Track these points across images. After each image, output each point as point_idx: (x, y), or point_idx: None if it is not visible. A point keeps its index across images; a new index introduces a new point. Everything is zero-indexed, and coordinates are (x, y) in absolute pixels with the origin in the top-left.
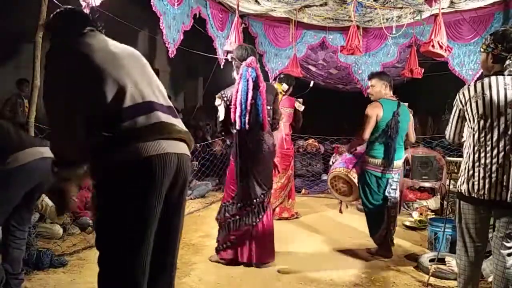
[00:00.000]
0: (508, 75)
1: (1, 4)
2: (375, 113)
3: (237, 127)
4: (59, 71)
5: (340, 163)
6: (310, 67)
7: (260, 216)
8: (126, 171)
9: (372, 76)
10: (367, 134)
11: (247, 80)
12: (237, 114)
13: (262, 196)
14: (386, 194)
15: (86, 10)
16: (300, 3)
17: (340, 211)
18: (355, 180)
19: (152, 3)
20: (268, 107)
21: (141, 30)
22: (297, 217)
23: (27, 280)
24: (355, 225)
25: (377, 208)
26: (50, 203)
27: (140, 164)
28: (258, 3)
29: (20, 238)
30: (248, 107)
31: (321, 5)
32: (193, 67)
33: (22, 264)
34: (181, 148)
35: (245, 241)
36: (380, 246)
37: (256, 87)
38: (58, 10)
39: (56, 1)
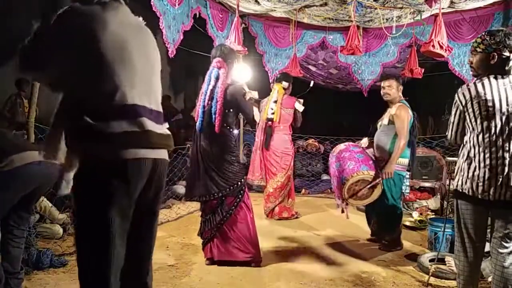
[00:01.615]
0: (503, 75)
1: (1, 4)
2: (408, 115)
3: (196, 128)
4: (62, 36)
5: (361, 166)
6: (310, 67)
7: (228, 215)
8: (100, 169)
9: (388, 76)
10: (407, 135)
11: (209, 81)
12: (197, 114)
13: (224, 191)
14: (402, 190)
15: None
16: (300, 3)
17: (347, 217)
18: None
19: (152, 3)
20: (227, 110)
21: None
22: (297, 217)
23: (27, 280)
24: (355, 225)
25: (399, 206)
26: (49, 204)
27: (115, 166)
28: (258, 3)
29: (19, 237)
30: (206, 108)
31: (321, 5)
32: (193, 67)
33: (21, 263)
34: (158, 153)
35: (215, 239)
36: (395, 240)
37: (215, 88)
38: None
39: None
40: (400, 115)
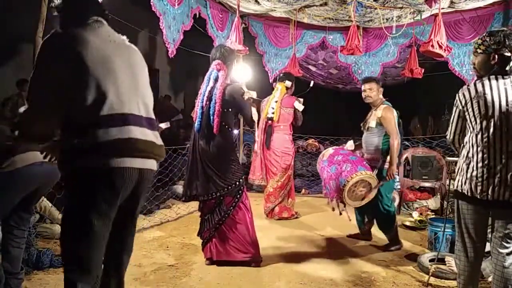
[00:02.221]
0: (504, 75)
1: (1, 4)
2: (394, 115)
3: (195, 128)
4: (49, 61)
5: (358, 167)
6: (310, 67)
7: (226, 215)
8: (88, 177)
9: (368, 80)
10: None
11: (208, 82)
12: (196, 115)
13: (222, 191)
14: (394, 187)
15: None
16: (300, 3)
17: (350, 219)
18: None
19: (152, 3)
20: (226, 110)
21: (141, 30)
22: (296, 217)
23: (27, 280)
24: (355, 225)
25: (392, 204)
26: (49, 204)
27: (102, 174)
28: (258, 3)
29: (19, 237)
30: (204, 109)
31: (321, 5)
32: (193, 67)
33: (21, 263)
34: (145, 163)
35: (214, 239)
36: (394, 238)
37: (213, 89)
38: None
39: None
40: (387, 116)
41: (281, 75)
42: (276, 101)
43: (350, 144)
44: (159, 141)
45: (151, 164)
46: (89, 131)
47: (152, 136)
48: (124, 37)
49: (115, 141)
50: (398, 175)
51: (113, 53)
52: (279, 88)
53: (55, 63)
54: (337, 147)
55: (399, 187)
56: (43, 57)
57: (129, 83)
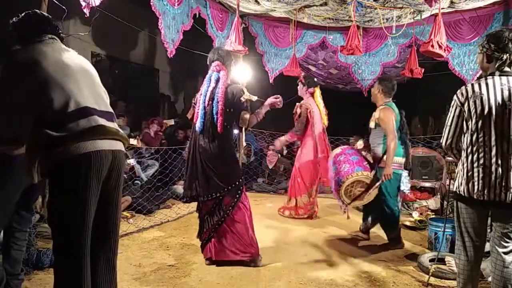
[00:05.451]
0: (500, 75)
1: (1, 4)
2: (392, 115)
3: (197, 128)
4: (15, 73)
5: (356, 167)
6: (310, 67)
7: (225, 215)
8: (69, 164)
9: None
10: (396, 134)
11: (209, 83)
12: (197, 116)
13: (222, 191)
14: (402, 188)
15: (86, 10)
16: (300, 3)
17: (348, 217)
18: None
19: (151, 3)
20: (227, 110)
21: (141, 30)
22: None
23: (27, 280)
24: (355, 224)
25: (397, 205)
26: None
27: (80, 158)
28: (258, 3)
29: (21, 239)
30: (207, 109)
31: (321, 5)
32: (193, 67)
33: (22, 264)
34: (115, 145)
35: (213, 239)
36: (396, 238)
37: (215, 89)
38: (24, 13)
39: (56, 1)
40: (383, 117)
41: (315, 80)
42: (324, 107)
43: (359, 143)
44: (120, 129)
45: (121, 146)
46: (61, 127)
47: (114, 125)
48: (74, 51)
49: (87, 129)
50: (408, 176)
51: (69, 60)
52: (319, 93)
53: (19, 74)
54: (345, 146)
55: (408, 188)
56: (6, 70)
57: (86, 84)
